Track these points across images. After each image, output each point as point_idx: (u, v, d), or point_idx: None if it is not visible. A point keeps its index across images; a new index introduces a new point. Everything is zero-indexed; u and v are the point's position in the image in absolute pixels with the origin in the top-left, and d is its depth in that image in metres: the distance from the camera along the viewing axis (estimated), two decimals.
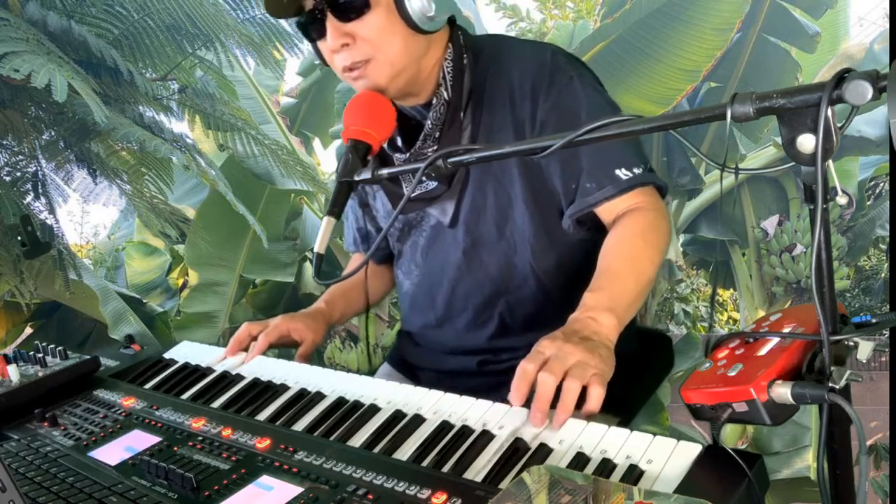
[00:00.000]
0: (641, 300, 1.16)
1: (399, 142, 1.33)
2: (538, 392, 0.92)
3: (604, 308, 1.06)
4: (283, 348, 1.39)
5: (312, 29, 1.20)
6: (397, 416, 1.01)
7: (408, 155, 1.30)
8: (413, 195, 1.32)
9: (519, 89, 1.24)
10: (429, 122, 1.27)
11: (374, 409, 1.03)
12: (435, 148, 1.28)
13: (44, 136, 4.03)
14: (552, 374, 0.92)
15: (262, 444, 0.97)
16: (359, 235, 1.58)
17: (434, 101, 1.27)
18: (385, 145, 1.34)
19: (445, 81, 1.27)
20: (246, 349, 1.33)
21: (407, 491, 0.81)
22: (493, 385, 1.17)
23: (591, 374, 0.93)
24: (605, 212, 1.24)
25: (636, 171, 1.21)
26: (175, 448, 1.00)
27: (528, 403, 0.94)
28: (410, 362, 1.51)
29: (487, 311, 1.37)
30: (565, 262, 1.32)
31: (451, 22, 1.31)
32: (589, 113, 1.20)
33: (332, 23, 1.16)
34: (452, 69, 1.27)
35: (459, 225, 1.33)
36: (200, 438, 1.01)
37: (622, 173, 1.20)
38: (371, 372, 1.56)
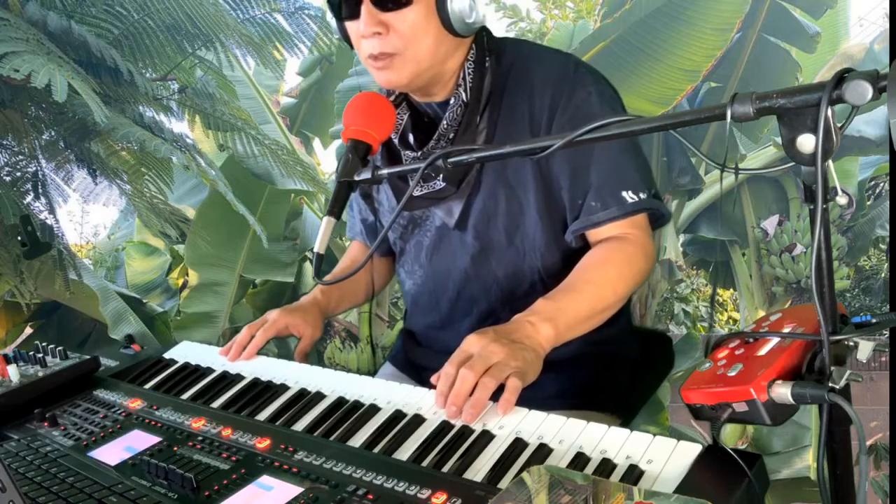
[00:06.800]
0: (591, 323, 1.17)
1: (411, 139, 1.32)
2: (455, 387, 0.96)
3: (546, 318, 1.09)
4: (283, 345, 1.39)
5: (345, 7, 1.17)
6: (397, 416, 1.01)
7: (419, 153, 1.29)
8: (420, 193, 1.31)
9: (539, 96, 1.24)
10: (444, 122, 1.26)
11: (374, 409, 1.03)
12: None
13: (44, 136, 4.02)
14: (472, 371, 0.95)
15: (262, 444, 0.97)
16: (364, 227, 1.58)
17: (451, 101, 1.26)
18: (396, 141, 1.33)
19: (465, 83, 1.25)
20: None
21: (407, 491, 0.81)
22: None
23: (509, 373, 0.96)
24: (594, 233, 1.25)
25: (642, 195, 1.21)
26: (175, 448, 1.00)
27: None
28: (414, 362, 1.51)
29: (492, 316, 1.36)
30: None
31: None
32: None
33: (368, 8, 1.14)
34: (474, 71, 1.26)
35: (469, 229, 1.32)
36: (200, 438, 1.02)
37: (629, 196, 1.20)
38: (373, 371, 1.56)
